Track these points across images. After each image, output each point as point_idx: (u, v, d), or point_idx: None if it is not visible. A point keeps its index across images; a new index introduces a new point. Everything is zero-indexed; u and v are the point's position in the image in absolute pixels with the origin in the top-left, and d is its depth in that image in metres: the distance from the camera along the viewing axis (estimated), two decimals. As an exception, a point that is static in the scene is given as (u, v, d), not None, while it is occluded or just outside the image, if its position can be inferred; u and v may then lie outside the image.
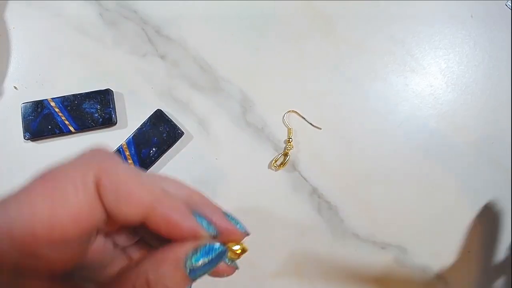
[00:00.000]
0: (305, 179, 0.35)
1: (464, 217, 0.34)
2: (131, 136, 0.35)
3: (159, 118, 0.35)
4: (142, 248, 0.18)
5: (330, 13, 0.38)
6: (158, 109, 0.35)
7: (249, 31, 0.37)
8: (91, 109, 0.35)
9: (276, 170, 0.35)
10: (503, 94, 0.37)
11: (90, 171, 0.14)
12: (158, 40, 0.37)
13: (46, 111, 0.35)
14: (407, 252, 0.34)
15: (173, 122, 0.35)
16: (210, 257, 0.15)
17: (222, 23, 0.37)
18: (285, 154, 0.35)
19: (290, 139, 0.35)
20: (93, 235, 0.16)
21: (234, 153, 0.35)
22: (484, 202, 0.35)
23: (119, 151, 0.35)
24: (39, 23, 0.37)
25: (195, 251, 0.15)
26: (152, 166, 0.35)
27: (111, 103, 0.35)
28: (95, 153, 0.15)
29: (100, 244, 0.17)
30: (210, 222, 0.16)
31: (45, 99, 0.35)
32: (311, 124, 0.35)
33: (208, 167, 0.35)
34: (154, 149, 0.35)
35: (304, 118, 0.35)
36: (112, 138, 0.35)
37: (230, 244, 0.17)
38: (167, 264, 0.15)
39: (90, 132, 0.36)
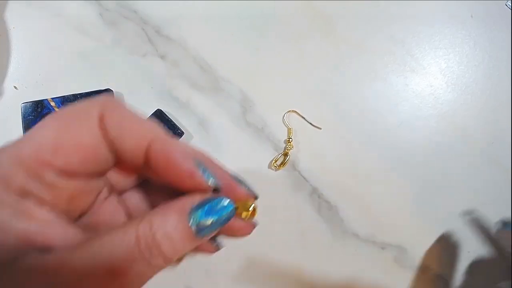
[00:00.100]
0: (305, 179, 0.35)
1: (464, 217, 0.34)
2: (131, 136, 0.35)
3: (159, 118, 0.35)
4: None
5: (330, 13, 0.38)
6: (158, 109, 0.35)
7: (249, 31, 0.37)
8: (91, 109, 0.35)
9: (276, 170, 0.35)
10: (503, 94, 0.37)
11: (94, 107, 0.15)
12: (158, 40, 0.37)
13: (46, 111, 0.35)
14: (407, 252, 0.34)
15: (173, 122, 0.35)
16: (215, 210, 0.15)
17: (222, 23, 0.37)
18: (285, 154, 0.35)
19: (290, 139, 0.35)
20: (101, 182, 0.17)
21: (234, 153, 0.35)
22: (484, 202, 0.35)
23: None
24: (39, 23, 0.37)
25: (201, 203, 0.15)
26: (152, 166, 0.35)
27: (111, 103, 0.35)
28: (100, 97, 0.16)
29: (112, 205, 0.18)
30: (212, 174, 0.16)
31: (45, 99, 0.35)
32: (311, 124, 0.35)
33: (208, 167, 0.35)
34: (154, 149, 0.35)
35: (304, 118, 0.35)
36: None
37: (240, 202, 0.16)
38: (172, 212, 0.15)
39: (90, 132, 0.36)
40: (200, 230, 0.14)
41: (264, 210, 0.34)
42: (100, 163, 0.15)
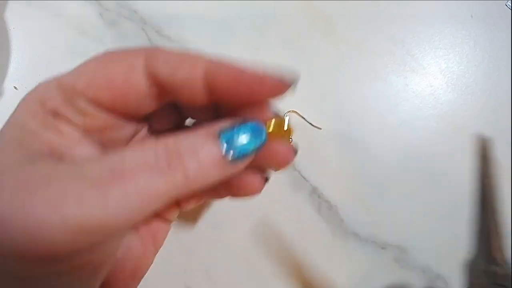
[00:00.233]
0: (305, 179, 0.35)
1: (464, 217, 0.35)
2: (131, 136, 0.35)
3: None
4: None
5: (330, 13, 0.38)
6: (158, 109, 0.35)
7: (249, 31, 0.37)
8: (91, 109, 0.35)
9: (276, 170, 0.35)
10: (503, 94, 0.37)
11: (140, 50, 0.16)
12: (158, 40, 0.37)
13: (46, 111, 0.35)
14: (407, 252, 0.34)
15: (173, 122, 0.35)
16: (248, 130, 0.14)
17: (222, 23, 0.37)
18: (285, 154, 0.35)
19: (290, 139, 0.35)
20: (138, 123, 0.18)
21: (234, 153, 0.35)
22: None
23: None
24: (39, 23, 0.37)
25: (233, 125, 0.14)
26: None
27: (111, 103, 0.35)
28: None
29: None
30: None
31: (45, 99, 0.35)
32: (311, 124, 0.35)
33: (208, 167, 0.35)
34: (154, 149, 0.35)
35: (304, 118, 0.35)
36: (112, 138, 0.35)
37: (271, 122, 0.16)
38: (201, 131, 0.14)
39: (90, 132, 0.36)
40: (231, 150, 0.13)
41: (264, 210, 0.34)
42: (134, 103, 0.16)
